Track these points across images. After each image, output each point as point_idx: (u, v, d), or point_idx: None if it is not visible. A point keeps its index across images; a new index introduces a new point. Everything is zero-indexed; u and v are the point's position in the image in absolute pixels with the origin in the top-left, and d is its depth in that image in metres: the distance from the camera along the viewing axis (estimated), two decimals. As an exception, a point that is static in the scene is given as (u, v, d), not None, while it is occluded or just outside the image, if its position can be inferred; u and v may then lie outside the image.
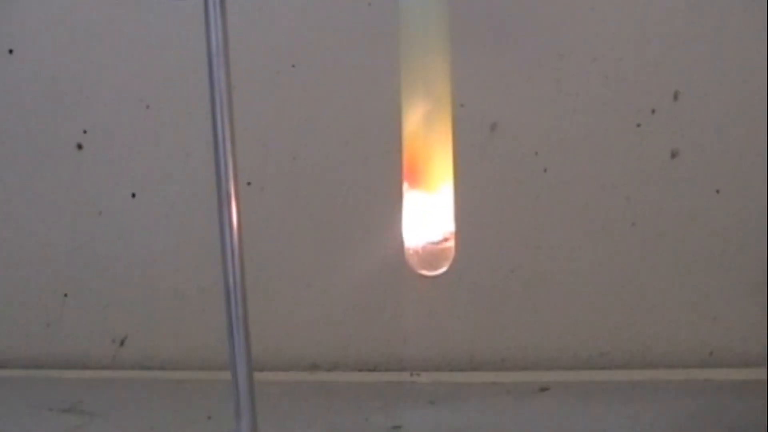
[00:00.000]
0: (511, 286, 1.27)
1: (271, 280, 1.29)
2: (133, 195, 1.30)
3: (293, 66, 1.23)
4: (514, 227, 1.25)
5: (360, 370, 1.31)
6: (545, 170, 1.23)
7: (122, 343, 1.34)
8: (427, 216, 0.73)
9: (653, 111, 1.21)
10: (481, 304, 1.28)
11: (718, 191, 1.22)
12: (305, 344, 1.31)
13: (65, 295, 1.34)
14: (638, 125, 1.21)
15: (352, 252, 1.26)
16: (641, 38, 1.19)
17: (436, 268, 0.74)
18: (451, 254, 0.74)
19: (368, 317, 1.30)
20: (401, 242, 0.75)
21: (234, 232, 0.75)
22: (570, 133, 1.22)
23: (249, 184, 1.25)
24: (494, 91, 1.21)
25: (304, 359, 1.31)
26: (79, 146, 1.29)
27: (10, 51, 1.28)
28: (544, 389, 1.22)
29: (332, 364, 1.31)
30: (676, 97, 1.20)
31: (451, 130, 0.74)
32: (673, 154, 1.22)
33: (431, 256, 0.73)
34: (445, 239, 0.73)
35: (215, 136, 0.74)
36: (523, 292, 1.27)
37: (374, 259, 1.23)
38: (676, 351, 1.27)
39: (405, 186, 0.73)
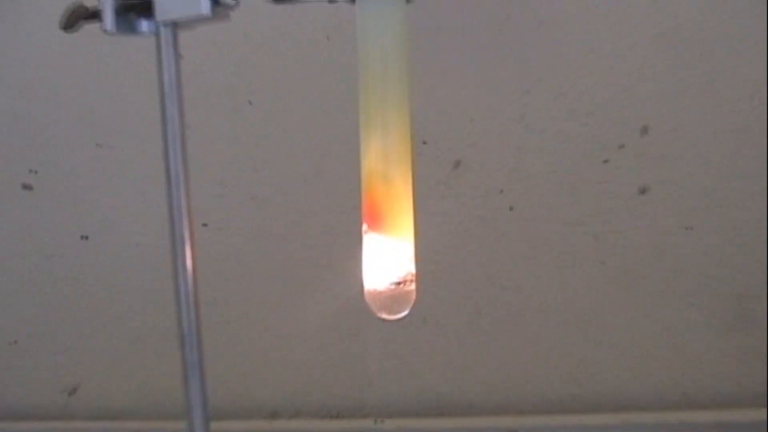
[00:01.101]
0: (478, 328, 1.27)
1: (228, 324, 1.29)
2: (85, 237, 1.29)
3: (250, 102, 1.24)
4: (479, 267, 1.25)
5: (322, 418, 1.31)
6: (511, 208, 1.24)
7: (73, 392, 1.33)
8: (387, 258, 0.73)
9: (621, 146, 1.22)
10: (447, 347, 1.28)
11: (688, 228, 1.23)
12: (265, 391, 1.31)
13: (14, 342, 1.33)
14: (606, 161, 1.22)
15: (313, 294, 1.26)
16: (608, 72, 1.20)
17: (396, 312, 0.74)
18: (412, 297, 0.74)
19: (330, 361, 1.29)
20: (362, 284, 0.75)
21: (188, 275, 0.75)
22: (536, 170, 1.22)
23: (205, 225, 1.25)
24: (457, 128, 1.22)
25: (264, 407, 1.31)
26: (28, 187, 1.29)
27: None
28: (513, 434, 1.22)
29: (293, 412, 1.31)
30: (644, 131, 1.21)
31: (413, 168, 0.74)
32: (642, 191, 1.23)
33: (391, 299, 0.73)
34: (406, 282, 0.74)
35: (169, 175, 0.74)
36: (490, 334, 1.27)
37: (336, 301, 1.23)
38: (648, 392, 1.27)
39: (364, 227, 0.74)
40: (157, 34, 0.73)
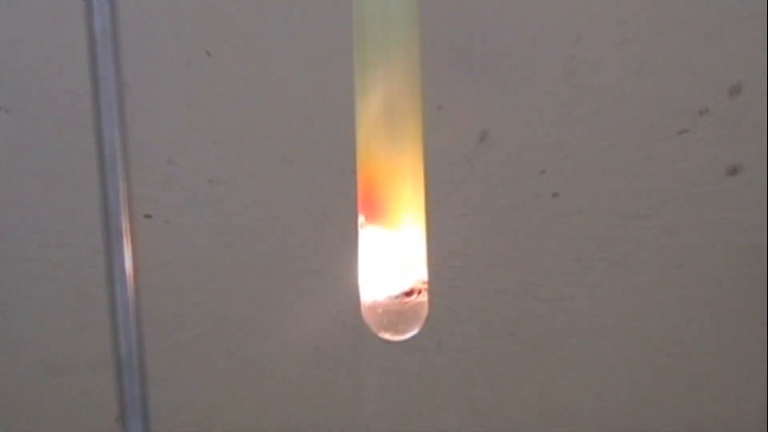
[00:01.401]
0: (510, 354, 1.28)
1: (181, 347, 1.30)
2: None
3: (208, 53, 1.25)
4: (511, 273, 1.26)
5: (307, 466, 1.32)
6: (554, 195, 1.24)
7: (-27, 438, 1.34)
8: (391, 260, 0.74)
9: (704, 112, 1.23)
10: (469, 377, 1.29)
11: (791, 220, 1.24)
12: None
13: None
14: (682, 132, 1.23)
15: (295, 308, 1.27)
16: (687, 11, 1.21)
17: (403, 331, 0.75)
18: (424, 312, 0.75)
19: (316, 397, 1.30)
20: (358, 295, 0.76)
21: (128, 282, 0.76)
22: (588, 144, 1.23)
23: (148, 216, 1.26)
24: (484, 87, 1.23)
25: (228, 455, 1.32)
26: None
27: None
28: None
29: (267, 461, 1.32)
30: (735, 91, 1.22)
31: (424, 142, 0.75)
32: (732, 170, 1.23)
33: (396, 314, 0.74)
34: (415, 292, 0.74)
35: (101, 151, 0.75)
36: (526, 361, 1.28)
37: (324, 317, 1.24)
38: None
39: (361, 220, 0.74)
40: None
